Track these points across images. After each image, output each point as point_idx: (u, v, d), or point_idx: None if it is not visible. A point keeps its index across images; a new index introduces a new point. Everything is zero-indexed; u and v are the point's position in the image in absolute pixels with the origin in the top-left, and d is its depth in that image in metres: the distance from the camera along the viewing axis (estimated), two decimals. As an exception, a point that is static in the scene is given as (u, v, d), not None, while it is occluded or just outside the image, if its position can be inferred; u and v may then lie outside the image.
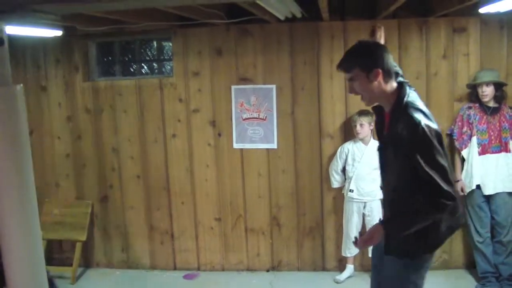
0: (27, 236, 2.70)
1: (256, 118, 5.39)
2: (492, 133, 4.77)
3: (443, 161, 2.59)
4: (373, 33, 3.41)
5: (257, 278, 5.47)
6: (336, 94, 5.20)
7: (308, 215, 5.46)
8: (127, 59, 6.12)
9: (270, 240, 5.56)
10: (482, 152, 4.80)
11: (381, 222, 2.77)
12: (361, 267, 5.32)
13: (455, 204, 2.61)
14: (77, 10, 3.40)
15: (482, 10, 4.16)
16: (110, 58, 6.06)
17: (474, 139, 4.81)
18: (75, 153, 5.77)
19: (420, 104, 2.74)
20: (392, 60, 2.83)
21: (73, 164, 5.79)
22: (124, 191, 5.73)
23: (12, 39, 2.79)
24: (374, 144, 4.66)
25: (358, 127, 4.96)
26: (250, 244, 5.60)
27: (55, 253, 5.85)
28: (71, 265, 5.56)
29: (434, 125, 2.63)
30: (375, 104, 2.97)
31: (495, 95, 4.77)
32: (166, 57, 6.07)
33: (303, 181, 5.42)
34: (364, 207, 5.08)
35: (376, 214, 4.93)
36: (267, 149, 5.42)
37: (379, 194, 4.12)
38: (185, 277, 5.58)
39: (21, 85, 2.65)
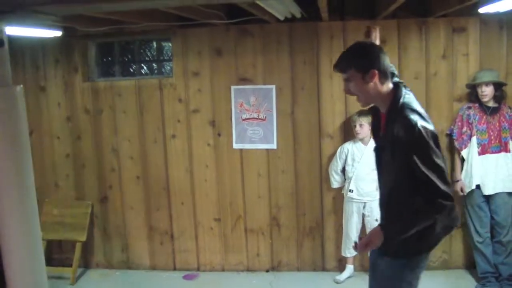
0: (27, 236, 2.71)
1: (256, 118, 5.39)
2: (491, 133, 4.77)
3: (439, 162, 2.58)
4: (368, 33, 3.41)
5: (257, 279, 5.47)
6: (336, 94, 5.20)
7: (308, 215, 5.46)
8: (126, 59, 6.12)
9: (270, 241, 5.56)
10: (482, 152, 4.80)
11: (380, 225, 2.76)
12: (361, 267, 5.32)
13: (452, 204, 2.61)
14: (77, 11, 3.40)
15: (482, 10, 4.16)
16: (109, 58, 6.05)
17: (474, 139, 4.82)
18: (74, 154, 5.77)
19: (416, 105, 2.73)
20: (388, 61, 2.82)
21: (72, 165, 5.79)
22: (123, 192, 5.73)
23: (11, 40, 2.79)
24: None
25: (357, 127, 4.96)
26: (250, 244, 5.60)
27: (55, 254, 5.85)
28: (71, 265, 5.56)
29: (430, 126, 2.63)
30: (371, 105, 2.97)
31: (495, 95, 4.77)
32: (165, 58, 6.06)
33: (303, 181, 5.42)
34: (364, 207, 5.08)
35: (376, 214, 4.93)
36: (267, 149, 5.42)
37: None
38: (185, 277, 5.58)
39: (21, 85, 2.65)
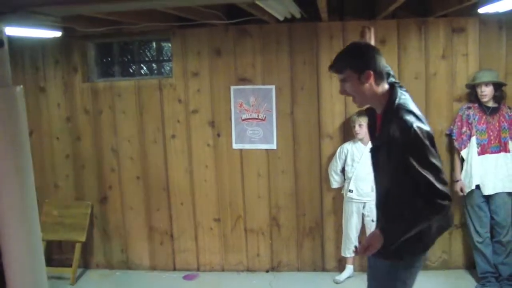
0: (27, 236, 2.71)
1: (256, 118, 5.39)
2: (491, 133, 4.77)
3: (436, 162, 2.58)
4: (362, 34, 3.41)
5: (256, 279, 5.47)
6: (336, 94, 5.19)
7: (308, 216, 5.46)
8: (126, 60, 6.12)
9: (269, 241, 5.56)
10: (482, 152, 4.80)
11: (379, 228, 2.74)
12: (360, 267, 5.32)
13: (450, 204, 2.61)
14: (76, 12, 3.40)
15: (481, 10, 4.16)
16: (109, 59, 6.06)
17: (474, 139, 4.82)
18: (74, 154, 5.77)
19: (412, 106, 2.73)
20: (383, 62, 2.82)
21: (72, 165, 5.79)
22: (123, 192, 5.73)
23: (11, 40, 2.79)
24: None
25: (357, 127, 4.96)
26: (249, 244, 5.60)
27: (55, 254, 5.85)
28: (70, 266, 5.56)
29: (425, 127, 2.62)
30: (367, 106, 2.97)
31: (494, 95, 4.78)
32: (165, 58, 6.07)
33: (303, 182, 5.42)
34: (364, 207, 5.08)
35: (375, 214, 4.93)
36: (267, 150, 5.42)
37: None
38: (185, 277, 5.58)
39: (21, 86, 2.65)
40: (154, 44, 6.18)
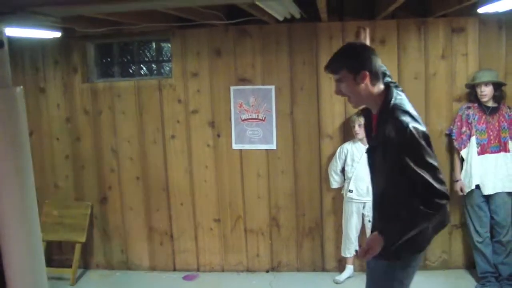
0: (27, 236, 2.71)
1: (255, 118, 5.39)
2: (491, 133, 4.78)
3: (432, 161, 2.58)
4: (358, 34, 3.41)
5: (256, 279, 5.47)
6: (335, 95, 5.18)
7: (308, 216, 5.46)
8: (125, 60, 6.12)
9: (269, 241, 5.56)
10: (481, 152, 4.80)
11: (378, 230, 2.72)
12: (360, 267, 5.31)
13: (448, 203, 2.60)
14: (77, 12, 3.40)
15: (481, 10, 4.17)
16: (108, 59, 6.06)
17: (473, 139, 4.82)
18: (74, 154, 5.77)
19: (408, 106, 2.73)
20: (379, 62, 2.83)
21: (72, 165, 5.79)
22: (123, 192, 5.73)
23: (11, 41, 2.78)
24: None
25: (357, 127, 4.95)
26: (249, 245, 5.60)
27: (55, 255, 5.85)
28: (70, 266, 5.56)
29: (421, 127, 2.62)
30: (363, 106, 2.97)
31: (494, 95, 4.78)
32: (165, 58, 6.07)
33: (302, 182, 5.42)
34: (364, 207, 5.08)
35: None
36: (266, 150, 5.42)
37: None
38: (185, 278, 5.58)
39: (21, 87, 2.65)
40: (153, 44, 6.18)
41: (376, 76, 2.77)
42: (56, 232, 5.63)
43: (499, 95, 4.80)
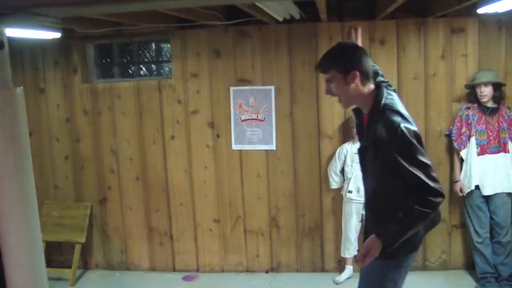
0: (28, 236, 2.71)
1: (255, 119, 5.39)
2: (490, 134, 4.78)
3: (425, 159, 2.58)
4: (349, 34, 3.41)
5: (256, 279, 5.47)
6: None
7: (307, 216, 5.46)
8: (125, 61, 6.11)
9: (269, 241, 5.56)
10: (481, 152, 4.80)
11: (376, 233, 2.69)
12: (360, 268, 5.32)
13: (442, 200, 2.60)
14: (77, 13, 3.41)
15: (480, 11, 4.16)
16: (108, 60, 6.06)
17: (473, 139, 4.82)
18: (74, 155, 5.77)
19: (399, 106, 2.73)
20: (370, 62, 2.83)
21: (72, 166, 5.79)
22: (123, 193, 5.73)
23: (10, 41, 2.79)
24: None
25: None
26: (249, 245, 5.60)
27: (54, 255, 5.84)
28: (70, 267, 5.56)
29: (412, 127, 2.62)
30: (353, 106, 2.98)
31: (494, 96, 4.78)
32: (164, 59, 6.06)
33: (302, 182, 5.42)
34: (363, 208, 5.08)
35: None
36: (266, 150, 5.42)
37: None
38: (184, 278, 5.58)
39: (21, 87, 2.65)
40: (153, 45, 6.17)
41: (366, 76, 2.78)
42: (56, 233, 5.64)
43: (498, 95, 4.80)
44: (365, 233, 3.03)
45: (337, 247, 5.38)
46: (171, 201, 5.65)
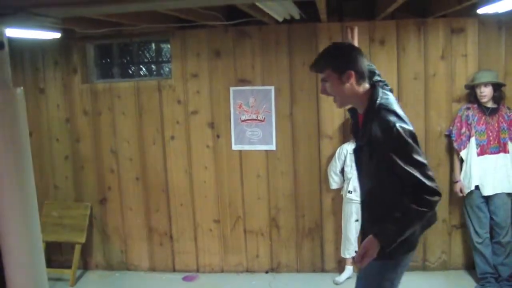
0: (28, 237, 2.71)
1: (255, 119, 5.39)
2: (490, 134, 4.78)
3: (420, 158, 2.58)
4: (345, 34, 3.41)
5: (256, 280, 5.47)
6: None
7: (307, 217, 5.46)
8: (125, 61, 6.11)
9: (269, 242, 5.56)
10: (481, 153, 4.80)
11: (373, 233, 2.68)
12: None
13: (439, 199, 2.60)
14: (77, 13, 3.41)
15: (480, 11, 4.16)
16: (108, 60, 6.06)
17: (473, 140, 4.82)
18: (74, 155, 5.77)
19: (394, 106, 2.73)
20: (366, 62, 2.84)
21: (72, 166, 5.79)
22: (123, 193, 5.73)
23: (10, 42, 2.79)
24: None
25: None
26: (249, 245, 5.60)
27: (54, 255, 5.84)
28: (70, 267, 5.56)
29: (408, 126, 2.62)
30: (348, 106, 2.98)
31: (494, 96, 4.78)
32: (164, 59, 6.06)
33: (302, 183, 5.42)
34: (363, 208, 5.08)
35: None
36: (266, 151, 5.42)
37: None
38: (184, 279, 5.58)
39: (21, 88, 2.65)
40: (153, 45, 6.17)
41: (361, 75, 2.78)
42: (56, 233, 5.64)
43: (498, 95, 4.80)
44: (362, 233, 3.02)
45: (337, 248, 5.38)
46: (171, 201, 5.65)
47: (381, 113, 2.66)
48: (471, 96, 4.91)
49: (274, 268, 5.59)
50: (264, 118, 5.36)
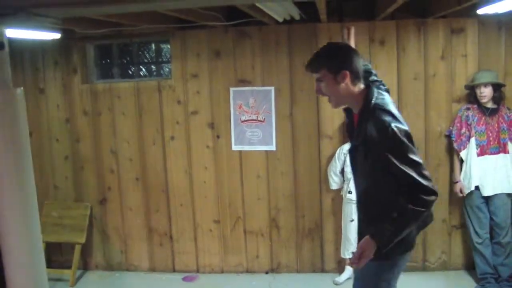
0: (28, 237, 2.71)
1: (255, 120, 5.39)
2: (490, 134, 4.78)
3: (416, 158, 2.58)
4: (342, 34, 3.42)
5: (256, 280, 5.47)
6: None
7: (307, 217, 5.46)
8: (125, 61, 6.11)
9: (269, 242, 5.56)
10: (481, 153, 4.80)
11: (370, 234, 2.68)
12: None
13: (436, 198, 2.59)
14: (77, 14, 3.41)
15: (480, 11, 4.16)
16: (108, 60, 6.06)
17: (473, 140, 4.82)
18: (73, 155, 5.77)
19: (390, 106, 2.73)
20: (361, 62, 2.84)
21: (72, 166, 5.79)
22: (122, 193, 5.73)
23: (10, 42, 2.79)
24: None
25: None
26: (249, 246, 5.60)
27: (54, 256, 5.84)
28: (70, 267, 5.56)
29: (403, 126, 2.62)
30: (343, 106, 2.97)
31: (494, 96, 4.78)
32: (164, 59, 6.07)
33: (302, 183, 5.42)
34: (363, 208, 5.08)
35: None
36: (266, 151, 5.42)
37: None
38: (184, 279, 5.57)
39: (22, 88, 2.66)
40: (153, 45, 6.18)
41: (357, 75, 2.78)
42: (56, 233, 5.63)
43: (498, 96, 4.80)
44: (358, 233, 3.02)
45: (337, 248, 5.37)
46: (171, 201, 5.65)
47: (376, 113, 2.66)
48: (471, 96, 4.92)
49: (274, 269, 5.59)
50: (264, 118, 5.36)
